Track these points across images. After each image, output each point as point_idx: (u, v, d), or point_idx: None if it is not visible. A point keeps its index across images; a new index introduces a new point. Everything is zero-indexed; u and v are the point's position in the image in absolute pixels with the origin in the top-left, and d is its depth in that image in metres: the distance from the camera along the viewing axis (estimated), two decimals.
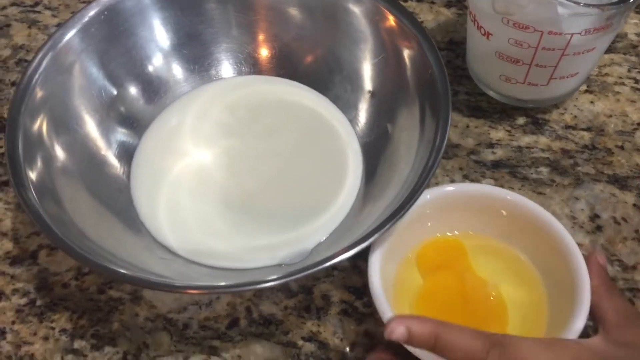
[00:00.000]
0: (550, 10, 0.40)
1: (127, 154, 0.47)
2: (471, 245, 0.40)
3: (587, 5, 0.40)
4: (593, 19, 0.41)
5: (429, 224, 0.40)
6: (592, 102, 0.51)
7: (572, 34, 0.42)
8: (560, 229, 0.38)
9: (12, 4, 0.59)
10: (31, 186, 0.39)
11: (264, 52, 0.50)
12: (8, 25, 0.58)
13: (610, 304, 0.35)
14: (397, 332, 0.31)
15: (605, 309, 0.35)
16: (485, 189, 0.41)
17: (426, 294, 0.39)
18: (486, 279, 0.39)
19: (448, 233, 0.41)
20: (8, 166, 0.39)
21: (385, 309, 0.35)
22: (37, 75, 0.43)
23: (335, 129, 0.48)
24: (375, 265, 0.37)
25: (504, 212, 0.40)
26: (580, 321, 0.34)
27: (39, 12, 0.59)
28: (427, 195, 0.39)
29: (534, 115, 0.50)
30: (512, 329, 0.37)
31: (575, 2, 0.40)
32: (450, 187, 0.40)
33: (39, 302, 0.42)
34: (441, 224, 0.41)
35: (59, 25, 0.56)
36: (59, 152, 0.43)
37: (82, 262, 0.37)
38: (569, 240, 0.37)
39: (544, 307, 0.38)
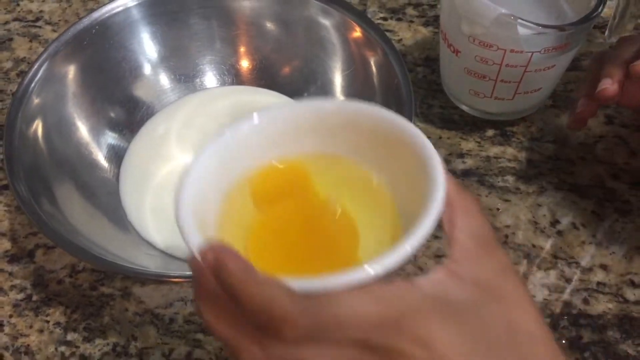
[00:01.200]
0: (511, 30, 0.44)
1: (116, 157, 0.50)
2: (315, 167, 0.33)
3: (544, 26, 0.43)
4: (552, 38, 0.44)
5: (261, 147, 0.33)
6: (557, 115, 0.54)
7: (533, 52, 0.45)
8: (413, 131, 0.30)
9: (15, 19, 0.63)
10: (29, 188, 0.43)
11: (245, 64, 0.54)
12: (10, 39, 0.61)
13: (465, 222, 0.27)
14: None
15: (459, 227, 0.27)
16: (325, 104, 0.33)
17: (261, 228, 0.32)
18: (327, 199, 0.33)
19: (286, 156, 0.33)
20: (6, 170, 0.42)
21: (193, 235, 0.27)
22: (32, 84, 0.46)
23: None
24: (186, 196, 0.29)
25: (350, 126, 0.32)
26: (424, 229, 0.26)
27: (39, 27, 0.62)
28: (255, 119, 0.32)
29: (503, 128, 0.53)
30: (364, 247, 0.31)
31: (533, 23, 0.43)
32: (283, 109, 0.33)
33: (35, 298, 0.45)
34: (275, 148, 0.33)
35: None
36: (53, 156, 0.46)
37: (77, 256, 0.40)
38: (424, 144, 0.30)
39: (396, 220, 0.31)
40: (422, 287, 0.25)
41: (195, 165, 0.30)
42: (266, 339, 0.25)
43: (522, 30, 0.43)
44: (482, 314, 0.25)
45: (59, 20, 0.63)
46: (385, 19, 0.62)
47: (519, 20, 0.43)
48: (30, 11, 0.63)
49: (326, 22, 0.49)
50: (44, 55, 0.47)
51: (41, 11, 0.63)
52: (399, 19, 0.62)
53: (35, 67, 0.46)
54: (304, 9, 0.50)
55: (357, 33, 0.48)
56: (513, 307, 0.26)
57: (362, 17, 0.48)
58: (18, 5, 0.64)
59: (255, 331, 0.25)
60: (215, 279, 0.25)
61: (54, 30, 0.62)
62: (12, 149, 0.43)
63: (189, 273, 0.42)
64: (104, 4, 0.50)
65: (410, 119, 0.43)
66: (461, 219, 0.27)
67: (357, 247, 0.30)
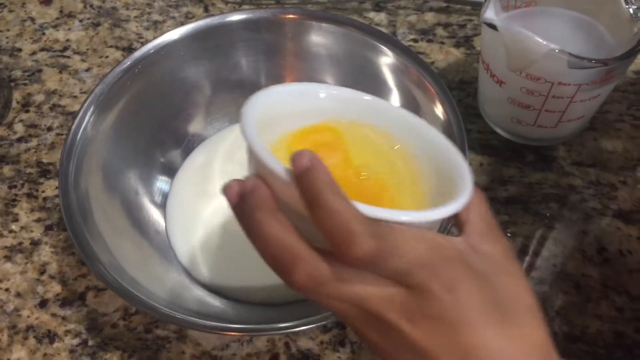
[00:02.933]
0: (560, 65, 0.44)
1: (162, 196, 0.50)
2: (348, 133, 0.35)
3: (594, 60, 0.44)
4: (598, 71, 0.45)
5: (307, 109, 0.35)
6: (595, 138, 0.54)
7: (580, 84, 0.45)
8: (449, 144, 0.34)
9: (42, 49, 0.62)
10: (85, 233, 0.42)
11: None
12: (39, 71, 0.60)
13: (477, 208, 0.32)
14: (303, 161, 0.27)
15: (473, 211, 0.31)
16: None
17: None
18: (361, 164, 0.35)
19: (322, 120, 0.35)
20: (64, 216, 0.42)
21: (273, 160, 0.29)
22: (80, 130, 0.46)
23: None
24: (251, 122, 0.31)
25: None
26: (463, 198, 0.30)
27: (68, 56, 0.62)
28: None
29: (542, 153, 0.54)
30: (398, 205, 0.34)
31: (582, 58, 0.43)
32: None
33: (90, 342, 0.45)
34: (314, 112, 0.35)
35: (98, 81, 0.59)
36: (103, 196, 0.46)
37: (135, 305, 0.40)
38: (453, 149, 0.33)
39: (420, 194, 0.34)
40: (454, 243, 0.29)
41: (265, 95, 0.32)
42: (328, 256, 0.28)
43: (571, 64, 0.44)
44: (494, 282, 0.29)
45: (87, 50, 0.62)
46: (415, 40, 0.62)
47: (569, 55, 0.43)
48: (57, 40, 0.63)
49: (381, 62, 0.49)
50: (90, 99, 0.46)
51: (68, 40, 0.63)
52: (429, 41, 0.62)
53: (82, 111, 0.46)
54: (352, 45, 0.49)
55: (412, 75, 0.48)
56: (518, 282, 0.30)
57: (416, 59, 0.48)
58: (44, 34, 0.63)
59: (316, 247, 0.28)
60: (300, 183, 0.27)
61: (83, 60, 0.61)
62: (67, 195, 0.43)
63: (239, 326, 0.42)
64: (147, 41, 0.50)
65: (464, 153, 0.44)
66: (474, 204, 0.31)
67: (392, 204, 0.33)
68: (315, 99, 0.35)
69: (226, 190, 0.30)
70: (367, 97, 0.35)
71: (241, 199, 0.29)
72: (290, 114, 0.34)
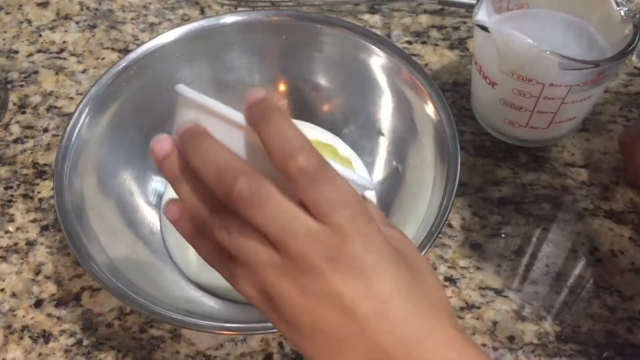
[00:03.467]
0: (551, 66, 0.44)
1: (158, 195, 0.51)
2: None
3: (585, 62, 0.44)
4: (590, 72, 0.45)
5: None
6: (587, 139, 0.55)
7: (571, 86, 0.46)
8: None
9: (39, 51, 0.62)
10: (80, 233, 0.43)
11: (285, 100, 0.54)
12: (36, 72, 0.61)
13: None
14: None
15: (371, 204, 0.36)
16: None
17: None
18: None
19: None
20: (59, 216, 0.42)
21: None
22: (76, 131, 0.46)
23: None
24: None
25: None
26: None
27: (64, 58, 0.62)
28: None
29: (535, 154, 0.54)
30: None
31: (573, 60, 0.44)
32: None
33: (85, 342, 0.46)
34: None
35: (92, 82, 0.59)
36: (97, 197, 0.47)
37: (130, 304, 0.40)
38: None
39: None
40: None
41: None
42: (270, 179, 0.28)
43: (562, 66, 0.44)
44: (401, 249, 0.31)
45: (84, 52, 0.62)
46: (410, 42, 0.62)
47: (560, 57, 0.44)
48: (54, 42, 0.63)
49: (374, 63, 0.50)
50: (85, 100, 0.47)
51: (64, 42, 0.63)
52: (423, 42, 0.62)
53: (77, 112, 0.46)
54: (346, 47, 0.50)
55: (404, 75, 0.48)
56: (419, 254, 0.33)
57: (408, 60, 0.49)
58: (40, 35, 0.64)
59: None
60: (252, 109, 0.29)
61: (80, 62, 0.62)
62: (62, 195, 0.43)
63: (235, 325, 0.42)
64: (143, 43, 0.50)
65: (455, 153, 0.44)
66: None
67: None
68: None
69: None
70: None
71: (180, 138, 0.30)
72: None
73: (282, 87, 0.53)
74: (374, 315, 0.28)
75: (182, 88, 0.32)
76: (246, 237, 0.29)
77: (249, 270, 0.29)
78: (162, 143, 0.31)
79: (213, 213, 0.30)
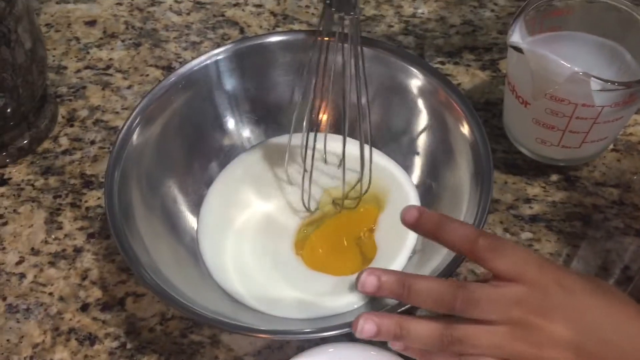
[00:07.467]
0: (584, 87, 0.46)
1: (198, 203, 0.53)
2: None
3: (617, 82, 0.45)
4: (622, 93, 0.46)
5: None
6: (618, 160, 0.56)
7: (603, 106, 0.47)
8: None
9: (86, 67, 0.65)
10: (129, 238, 0.45)
11: (325, 116, 0.56)
12: (84, 87, 0.64)
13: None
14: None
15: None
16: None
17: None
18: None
19: None
20: (109, 220, 0.45)
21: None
22: (126, 142, 0.49)
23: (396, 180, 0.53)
24: None
25: None
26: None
27: (110, 74, 0.65)
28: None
29: (566, 173, 0.55)
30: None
31: (606, 81, 0.45)
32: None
33: (129, 346, 0.48)
34: None
35: (142, 95, 0.62)
36: (146, 208, 0.49)
37: (175, 308, 0.42)
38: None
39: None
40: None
41: None
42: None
43: (594, 87, 0.45)
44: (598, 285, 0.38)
45: (129, 68, 0.65)
46: (442, 62, 0.64)
47: (593, 78, 0.45)
48: (101, 59, 0.66)
49: (406, 79, 0.52)
50: (135, 112, 0.49)
51: (110, 59, 0.66)
52: (456, 63, 0.64)
53: (127, 124, 0.49)
54: (383, 67, 0.52)
55: (439, 94, 0.50)
56: (596, 278, 0.42)
57: (446, 83, 0.50)
58: (88, 53, 0.67)
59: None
60: (421, 225, 0.41)
61: (125, 78, 0.64)
62: (112, 203, 0.46)
63: (282, 328, 0.44)
64: (185, 61, 0.52)
65: (489, 173, 0.45)
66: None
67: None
68: None
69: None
70: None
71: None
72: None
73: (322, 105, 0.55)
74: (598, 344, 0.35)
75: None
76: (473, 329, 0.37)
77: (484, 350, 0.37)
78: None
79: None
